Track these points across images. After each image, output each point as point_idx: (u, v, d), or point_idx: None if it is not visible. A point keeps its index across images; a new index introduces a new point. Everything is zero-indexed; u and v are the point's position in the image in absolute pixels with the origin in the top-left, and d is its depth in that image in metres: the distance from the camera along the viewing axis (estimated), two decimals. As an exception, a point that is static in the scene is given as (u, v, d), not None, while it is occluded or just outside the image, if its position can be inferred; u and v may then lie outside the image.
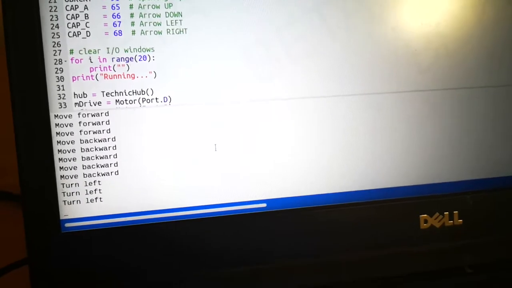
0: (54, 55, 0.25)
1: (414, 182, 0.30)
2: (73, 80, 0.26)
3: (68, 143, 0.26)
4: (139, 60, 0.26)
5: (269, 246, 0.28)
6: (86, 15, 0.25)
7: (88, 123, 0.26)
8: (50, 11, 0.25)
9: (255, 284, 0.29)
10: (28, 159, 0.26)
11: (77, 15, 0.25)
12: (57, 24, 0.25)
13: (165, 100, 0.27)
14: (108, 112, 0.26)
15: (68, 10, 0.25)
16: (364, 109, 0.29)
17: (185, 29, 0.27)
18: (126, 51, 0.26)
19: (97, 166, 0.26)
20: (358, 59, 0.29)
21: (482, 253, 0.31)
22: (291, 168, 0.29)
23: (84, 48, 0.26)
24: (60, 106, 0.26)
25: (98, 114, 0.26)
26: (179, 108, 0.27)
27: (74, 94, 0.26)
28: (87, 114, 0.26)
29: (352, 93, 0.29)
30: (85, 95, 0.26)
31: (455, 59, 0.30)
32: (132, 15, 0.26)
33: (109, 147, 0.26)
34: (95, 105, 0.26)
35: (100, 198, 0.27)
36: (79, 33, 0.25)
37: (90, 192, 0.26)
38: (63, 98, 0.26)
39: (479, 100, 0.31)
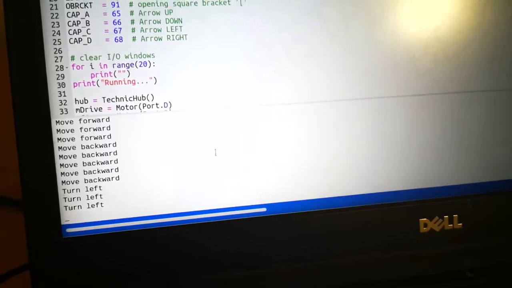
0: (55, 61, 0.26)
1: (413, 186, 0.30)
2: (74, 86, 0.26)
3: (69, 149, 0.26)
4: (140, 66, 0.26)
5: (269, 251, 0.28)
6: (87, 21, 0.26)
7: (89, 128, 0.26)
8: (51, 17, 0.25)
9: (255, 289, 0.29)
10: (29, 164, 0.26)
11: (78, 22, 0.26)
12: (58, 31, 0.25)
13: (166, 106, 0.27)
14: (109, 118, 0.26)
15: (69, 17, 0.26)
16: (363, 113, 0.29)
17: (185, 35, 0.27)
18: (126, 57, 0.26)
19: (98, 171, 0.26)
20: (357, 63, 0.29)
21: (482, 257, 0.31)
22: (291, 172, 0.29)
23: (85, 55, 0.26)
24: (61, 112, 0.26)
25: (99, 119, 0.26)
26: (180, 113, 0.27)
27: (75, 100, 0.26)
28: (88, 120, 0.26)
29: (352, 97, 0.29)
30: (86, 101, 0.26)
31: (455, 63, 0.30)
32: (132, 22, 0.26)
33: (110, 152, 0.26)
34: (96, 111, 0.26)
35: (101, 204, 0.27)
36: (80, 39, 0.26)
37: (91, 198, 0.27)
38: (64, 104, 0.26)
39: (479, 104, 0.31)
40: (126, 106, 0.26)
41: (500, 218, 0.31)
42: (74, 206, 0.26)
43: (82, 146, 0.26)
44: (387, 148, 0.30)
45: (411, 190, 0.30)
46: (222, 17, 0.27)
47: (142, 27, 0.26)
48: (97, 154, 0.26)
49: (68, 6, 0.25)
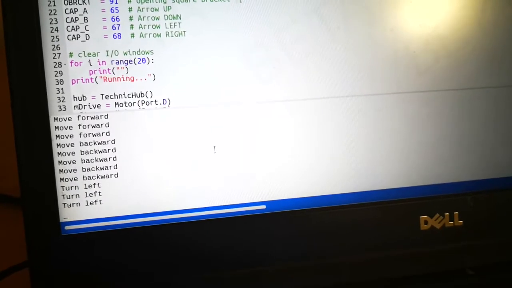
0: (53, 58, 0.25)
1: (414, 183, 0.30)
2: (72, 83, 0.26)
3: (68, 146, 0.26)
4: (138, 62, 0.26)
5: (268, 248, 0.28)
6: (86, 18, 0.26)
7: (88, 125, 0.26)
8: (49, 14, 0.25)
9: (255, 286, 0.29)
10: (28, 162, 0.26)
11: (77, 18, 0.25)
12: (57, 28, 0.25)
13: (164, 103, 0.27)
14: (107, 115, 0.26)
15: (68, 14, 0.25)
16: (363, 111, 0.29)
17: (184, 31, 0.27)
18: (125, 54, 0.26)
19: (97, 168, 0.26)
20: (357, 61, 0.29)
21: (483, 255, 0.31)
22: (291, 169, 0.29)
23: (84, 51, 0.26)
24: (59, 109, 0.26)
25: (98, 116, 0.26)
26: (178, 110, 0.27)
27: (74, 97, 0.26)
28: (87, 116, 0.26)
29: (352, 94, 0.29)
30: (84, 98, 0.26)
31: (455, 60, 0.30)
32: (131, 18, 0.26)
33: (108, 149, 0.26)
34: (94, 107, 0.26)
35: (100, 201, 0.27)
36: (78, 36, 0.26)
37: (90, 195, 0.26)
38: (62, 101, 0.26)
39: (479, 101, 0.30)
40: (125, 103, 0.26)
41: (501, 215, 0.31)
42: (73, 204, 0.26)
43: (80, 143, 0.26)
44: (387, 145, 0.29)
45: (412, 188, 0.30)
46: (221, 13, 0.27)
47: (140, 24, 0.26)
48: (95, 151, 0.26)
49: (66, 2, 0.25)
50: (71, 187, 0.26)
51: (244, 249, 0.28)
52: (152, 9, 0.26)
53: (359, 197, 0.29)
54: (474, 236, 0.31)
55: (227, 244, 0.28)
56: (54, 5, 0.25)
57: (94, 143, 0.26)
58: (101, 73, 0.26)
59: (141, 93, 0.26)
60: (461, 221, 0.30)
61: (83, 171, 0.26)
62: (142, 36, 0.26)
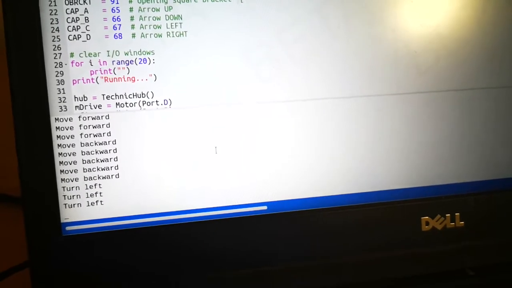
0: (54, 58, 0.25)
1: (415, 184, 0.30)
2: (73, 83, 0.26)
3: (69, 146, 0.26)
4: (139, 63, 0.26)
5: (270, 249, 0.28)
6: (86, 18, 0.26)
7: (89, 126, 0.26)
8: (50, 14, 0.25)
9: (257, 286, 0.29)
10: (28, 162, 0.26)
11: (77, 18, 0.25)
12: (58, 28, 0.25)
13: (165, 103, 0.27)
14: (108, 115, 0.26)
15: (69, 14, 0.25)
16: (364, 111, 0.29)
17: (185, 32, 0.27)
18: (126, 54, 0.26)
19: (98, 169, 0.26)
20: (358, 61, 0.29)
21: (484, 255, 0.31)
22: (292, 170, 0.29)
23: (85, 51, 0.26)
24: (60, 109, 0.26)
25: (99, 117, 0.26)
26: (180, 111, 0.27)
27: (75, 97, 0.26)
28: (88, 117, 0.26)
29: (353, 95, 0.29)
30: (85, 98, 0.26)
31: (456, 60, 0.30)
32: (132, 18, 0.26)
33: (109, 150, 0.26)
34: (95, 108, 0.26)
35: (101, 201, 0.27)
36: (79, 36, 0.26)
37: (90, 195, 0.26)
38: (63, 101, 0.26)
39: (480, 102, 0.30)
40: (126, 103, 0.26)
41: (502, 216, 0.31)
42: (74, 204, 0.26)
43: (81, 143, 0.26)
44: (387, 145, 0.29)
45: (413, 188, 0.30)
46: (222, 14, 0.27)
47: (141, 24, 0.26)
48: (96, 152, 0.26)
49: (67, 2, 0.25)
50: (72, 187, 0.26)
51: (246, 249, 0.28)
52: (153, 9, 0.26)
53: (360, 198, 0.29)
54: (474, 236, 0.31)
55: (228, 245, 0.28)
56: (55, 5, 0.25)
57: (95, 143, 0.26)
58: (102, 73, 0.26)
59: (142, 94, 0.26)
60: (462, 222, 0.30)
61: (84, 171, 0.26)
62: (143, 36, 0.26)
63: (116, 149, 0.26)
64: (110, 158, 0.26)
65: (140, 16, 0.26)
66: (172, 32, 0.26)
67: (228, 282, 0.28)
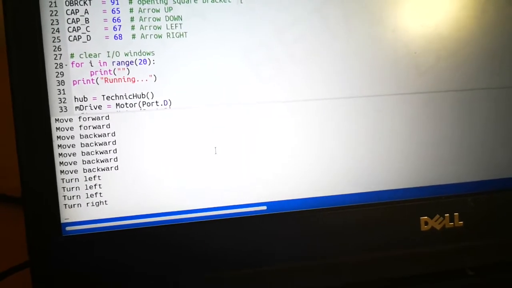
0: (54, 59, 0.25)
1: (414, 184, 0.30)
2: (73, 84, 0.26)
3: (69, 147, 0.26)
4: (139, 63, 0.26)
5: (269, 249, 0.28)
6: (87, 19, 0.26)
7: (89, 126, 0.26)
8: (50, 15, 0.25)
9: (256, 286, 0.29)
10: (29, 163, 0.26)
11: (78, 19, 0.25)
12: (58, 28, 0.25)
13: (165, 104, 0.27)
14: (108, 116, 0.26)
15: (69, 14, 0.25)
16: (364, 111, 0.29)
17: (185, 32, 0.27)
18: (126, 54, 0.26)
19: (98, 169, 0.26)
20: (358, 61, 0.29)
21: (483, 255, 0.31)
22: (291, 170, 0.29)
23: (85, 52, 0.26)
24: (60, 110, 0.26)
25: (99, 117, 0.26)
26: (179, 111, 0.27)
27: (75, 98, 0.26)
28: (88, 117, 0.26)
29: (352, 95, 0.29)
30: (85, 99, 0.26)
31: (456, 61, 0.30)
32: (132, 19, 0.26)
33: (109, 150, 0.26)
34: (95, 108, 0.26)
35: (101, 202, 0.27)
36: (79, 37, 0.26)
37: (91, 196, 0.26)
38: (63, 102, 0.26)
39: (480, 102, 0.30)
40: (126, 104, 0.26)
41: (501, 216, 0.31)
42: (74, 204, 0.26)
43: (81, 144, 0.26)
44: (387, 146, 0.29)
45: (412, 188, 0.30)
46: (222, 14, 0.27)
47: (141, 25, 0.26)
48: (96, 152, 0.26)
49: (67, 3, 0.25)
50: (72, 187, 0.26)
51: (245, 249, 0.28)
52: (153, 10, 0.26)
53: (360, 198, 0.29)
54: (474, 236, 0.31)
55: (228, 245, 0.28)
56: (55, 6, 0.25)
57: (95, 144, 0.26)
58: (102, 74, 0.26)
59: (142, 94, 0.26)
60: (461, 222, 0.30)
61: (84, 172, 0.26)
62: (143, 37, 0.26)
63: (116, 150, 0.26)
64: (110, 159, 0.26)
65: (140, 17, 0.26)
66: (172, 32, 0.26)
67: (228, 282, 0.28)
